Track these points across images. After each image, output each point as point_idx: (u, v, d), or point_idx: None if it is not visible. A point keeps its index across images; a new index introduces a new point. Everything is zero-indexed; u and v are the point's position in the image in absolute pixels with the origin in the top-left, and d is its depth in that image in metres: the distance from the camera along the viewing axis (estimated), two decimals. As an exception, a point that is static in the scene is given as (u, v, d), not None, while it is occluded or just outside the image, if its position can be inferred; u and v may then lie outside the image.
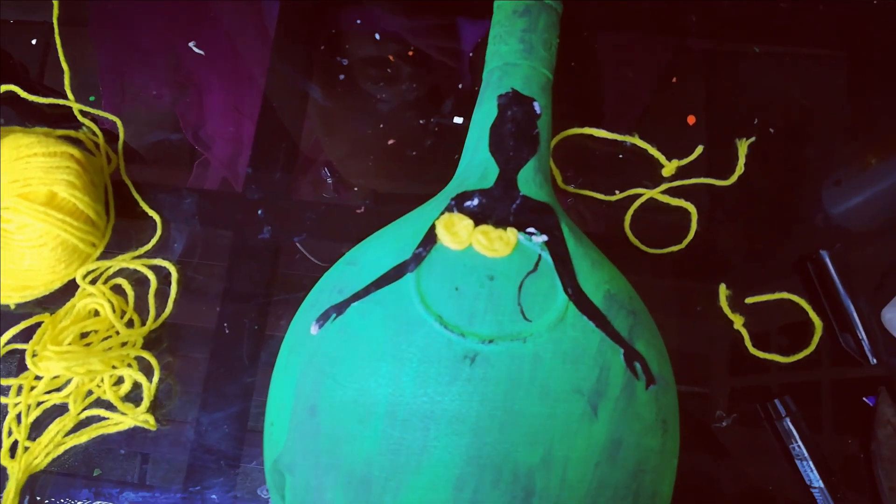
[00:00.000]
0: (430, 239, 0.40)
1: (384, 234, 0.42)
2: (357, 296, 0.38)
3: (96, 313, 0.47)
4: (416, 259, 0.39)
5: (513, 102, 0.45)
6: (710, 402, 0.46)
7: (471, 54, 0.64)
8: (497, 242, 0.39)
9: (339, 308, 0.38)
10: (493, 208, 0.41)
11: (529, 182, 0.42)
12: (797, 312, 0.48)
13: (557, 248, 0.39)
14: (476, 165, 0.43)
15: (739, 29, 0.53)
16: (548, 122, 0.45)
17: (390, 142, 0.52)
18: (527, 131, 0.44)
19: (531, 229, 0.40)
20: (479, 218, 0.40)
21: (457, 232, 0.39)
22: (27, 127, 0.51)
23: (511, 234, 0.39)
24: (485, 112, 0.45)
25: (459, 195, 0.41)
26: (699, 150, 0.50)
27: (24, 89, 0.52)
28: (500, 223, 0.40)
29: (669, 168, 0.50)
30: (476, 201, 0.41)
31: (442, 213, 0.40)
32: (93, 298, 0.46)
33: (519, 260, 0.39)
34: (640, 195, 0.50)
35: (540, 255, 0.39)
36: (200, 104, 0.70)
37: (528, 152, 0.44)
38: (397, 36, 0.55)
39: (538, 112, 0.45)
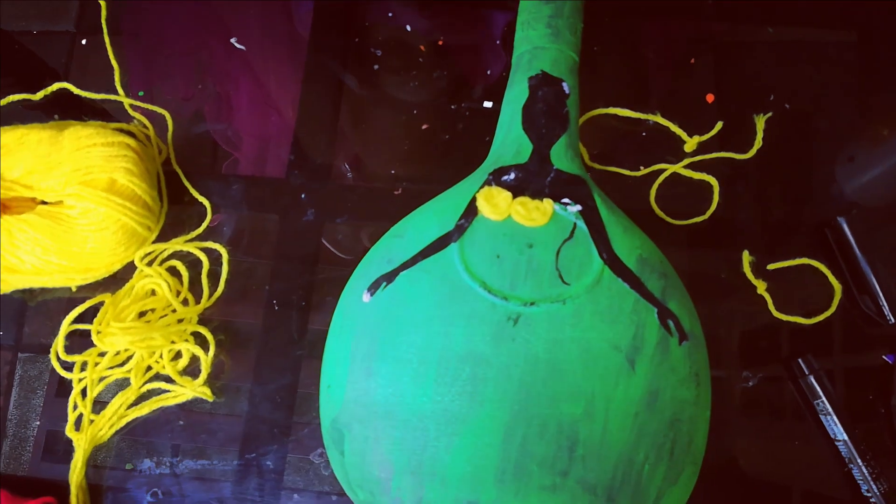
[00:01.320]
0: (471, 211, 0.42)
1: (427, 208, 0.45)
2: (405, 265, 0.41)
3: (153, 293, 0.50)
4: (459, 230, 0.42)
5: (543, 83, 0.47)
6: (737, 363, 0.49)
7: (498, 41, 0.67)
8: (534, 212, 0.42)
9: (389, 277, 0.41)
10: (529, 181, 0.43)
11: (562, 157, 0.45)
12: (817, 277, 0.50)
13: (591, 217, 0.42)
14: (511, 142, 0.46)
15: (754, 12, 0.56)
16: (576, 102, 0.48)
17: (424, 126, 0.55)
18: (557, 110, 0.47)
19: (566, 199, 0.43)
20: (516, 190, 0.43)
21: (496, 204, 0.42)
22: (83, 121, 0.54)
23: (547, 204, 0.42)
24: (516, 93, 0.48)
25: (496, 170, 0.44)
26: (719, 125, 0.53)
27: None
28: (537, 195, 0.42)
29: (691, 143, 0.52)
30: (513, 175, 0.44)
31: (481, 187, 0.43)
32: (150, 279, 0.49)
33: (555, 228, 0.41)
34: (663, 170, 0.52)
35: (575, 224, 0.42)
36: (229, 105, 0.73)
37: (560, 129, 0.46)
38: (427, 27, 0.57)
39: (567, 92, 0.48)
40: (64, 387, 0.50)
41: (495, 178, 0.44)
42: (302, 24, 0.69)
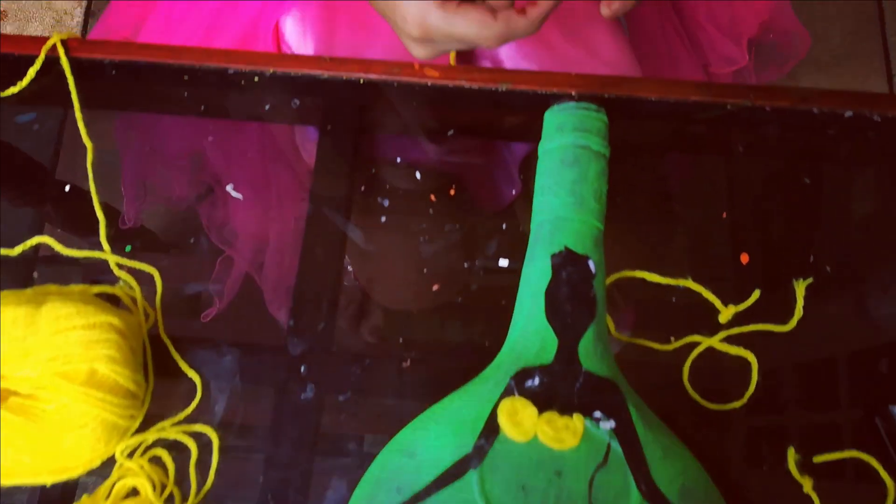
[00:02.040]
0: (491, 428, 0.38)
1: (440, 415, 0.40)
2: (418, 497, 0.36)
3: (135, 491, 0.45)
4: (479, 453, 0.37)
5: (567, 262, 0.43)
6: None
7: (516, 171, 0.63)
8: (563, 432, 0.37)
9: (400, 510, 0.36)
10: (556, 388, 0.39)
11: (590, 354, 0.41)
12: (868, 472, 0.45)
13: (627, 435, 0.38)
14: (533, 335, 0.41)
15: (789, 158, 0.52)
16: (602, 281, 0.44)
17: (435, 287, 0.51)
18: (583, 294, 0.43)
19: (598, 413, 0.38)
20: (542, 401, 0.38)
21: (520, 422, 0.37)
22: (63, 284, 0.49)
23: (577, 421, 0.37)
24: (537, 271, 0.44)
25: (519, 373, 0.40)
26: (756, 294, 0.48)
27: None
28: (565, 408, 0.38)
29: (726, 314, 0.48)
30: (537, 380, 0.39)
31: (502, 397, 0.39)
32: (131, 477, 0.44)
33: (587, 451, 0.37)
34: (696, 343, 0.48)
35: (609, 444, 0.37)
36: (225, 203, 0.69)
37: (587, 318, 0.42)
38: (438, 172, 0.54)
39: (593, 271, 0.43)
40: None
41: (518, 383, 0.39)
42: (308, 155, 0.66)
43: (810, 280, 0.49)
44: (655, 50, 0.77)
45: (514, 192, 0.65)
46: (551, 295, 0.42)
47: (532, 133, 0.50)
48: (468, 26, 0.41)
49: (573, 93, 0.52)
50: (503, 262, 0.51)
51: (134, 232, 0.55)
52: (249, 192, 0.69)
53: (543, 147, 0.47)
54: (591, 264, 0.44)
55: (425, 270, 0.51)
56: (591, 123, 0.47)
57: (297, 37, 0.63)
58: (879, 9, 1.33)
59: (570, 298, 0.42)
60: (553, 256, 0.44)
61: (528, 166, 0.62)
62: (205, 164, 0.68)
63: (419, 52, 0.45)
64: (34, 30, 1.38)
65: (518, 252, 0.50)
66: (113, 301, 0.51)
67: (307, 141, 0.65)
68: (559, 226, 0.44)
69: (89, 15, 1.39)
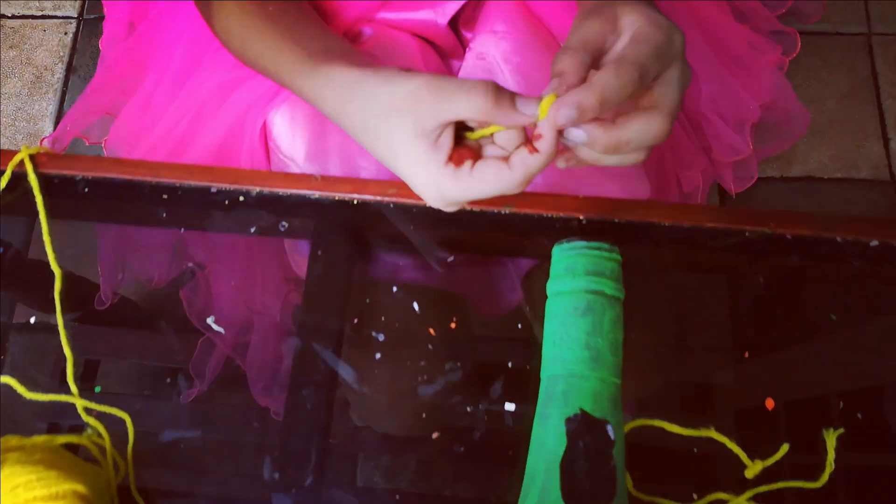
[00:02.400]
0: None
1: None
2: None
3: None
4: None
5: (584, 428, 0.39)
6: None
7: (518, 287, 0.60)
8: None
9: None
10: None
11: (611, 540, 0.37)
12: None
13: None
14: (547, 516, 0.37)
15: (813, 291, 0.49)
16: (622, 445, 0.40)
17: (435, 435, 0.46)
18: (602, 466, 0.39)
19: None
20: None
21: None
22: (24, 437, 0.45)
23: None
24: (551, 436, 0.40)
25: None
26: (784, 448, 0.45)
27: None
28: None
29: (753, 470, 0.44)
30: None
31: None
32: None
33: None
34: (722, 502, 0.44)
35: None
36: (207, 289, 0.65)
37: (607, 496, 0.38)
38: (437, 299, 0.50)
39: (612, 437, 0.40)
40: None
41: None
42: (298, 267, 0.62)
43: (841, 430, 0.45)
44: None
45: (515, 298, 0.61)
46: (567, 469, 0.38)
47: (537, 251, 0.46)
48: (487, 186, 0.38)
49: (581, 217, 0.49)
50: (509, 407, 0.47)
51: (104, 370, 0.51)
52: (232, 281, 0.65)
53: (553, 289, 0.44)
54: (610, 429, 0.40)
55: (424, 416, 0.47)
56: (604, 265, 0.43)
57: (287, 136, 0.60)
58: (873, 71, 1.32)
59: (588, 475, 0.38)
60: (568, 421, 0.40)
61: (532, 277, 0.59)
62: (185, 249, 0.64)
63: (444, 208, 0.41)
64: (13, 86, 1.34)
65: (526, 394, 0.47)
66: (80, 451, 0.46)
67: (297, 253, 0.61)
68: (574, 385, 0.41)
69: (71, 71, 1.35)
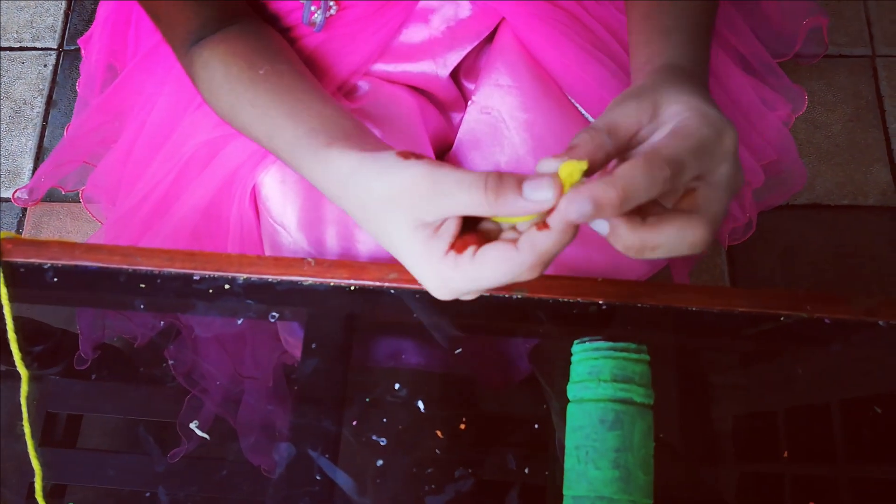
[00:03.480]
0: None
1: None
2: None
3: None
4: None
5: (615, 565, 0.35)
6: None
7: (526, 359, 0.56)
8: None
9: None
10: None
11: None
12: None
13: None
14: None
15: (855, 381, 0.45)
16: (658, 581, 0.36)
17: (445, 553, 0.42)
18: None
19: None
20: None
21: None
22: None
23: None
24: (578, 571, 0.35)
25: None
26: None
27: None
28: None
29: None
30: None
31: None
32: None
33: None
34: None
35: None
36: (195, 349, 0.61)
37: None
38: (445, 402, 0.45)
39: (647, 573, 0.35)
40: None
41: None
42: (291, 348, 0.57)
43: (893, 540, 0.41)
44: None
45: (525, 368, 0.57)
46: None
47: (553, 336, 0.42)
48: (492, 272, 0.33)
49: (601, 302, 0.45)
50: (527, 520, 0.43)
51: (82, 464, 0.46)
52: (220, 347, 0.60)
53: (575, 394, 0.40)
54: (644, 565, 0.35)
55: (433, 530, 0.42)
56: (632, 369, 0.39)
57: (278, 200, 0.55)
58: (878, 94, 1.29)
59: None
60: (597, 555, 0.35)
61: (540, 350, 0.55)
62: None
63: (448, 298, 0.36)
64: (-10, 120, 1.29)
65: (544, 505, 0.42)
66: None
67: (289, 334, 0.57)
68: (602, 511, 0.36)
69: (51, 105, 1.30)
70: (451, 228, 0.34)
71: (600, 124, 0.34)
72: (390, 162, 0.35)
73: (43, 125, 1.28)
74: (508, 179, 0.32)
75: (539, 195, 0.32)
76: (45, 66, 1.32)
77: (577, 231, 0.33)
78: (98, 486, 0.52)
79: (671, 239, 0.32)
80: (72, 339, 0.56)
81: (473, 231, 0.35)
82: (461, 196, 0.32)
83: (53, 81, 1.31)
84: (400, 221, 0.34)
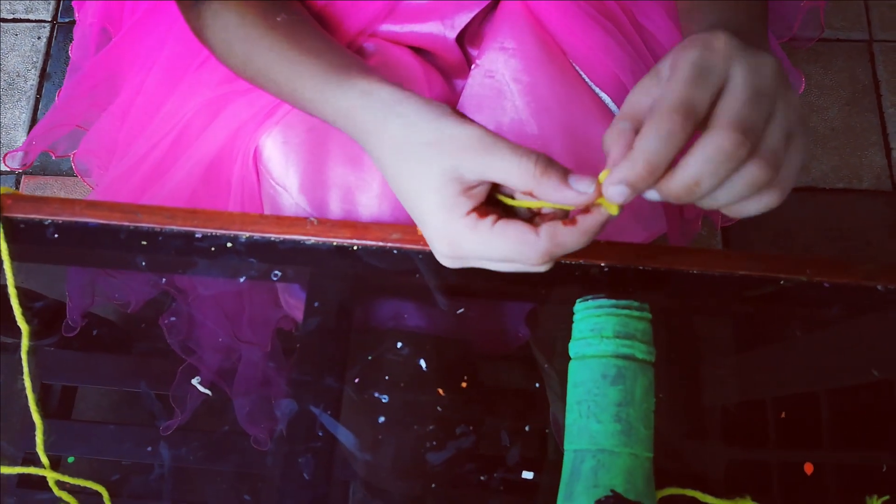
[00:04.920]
0: None
1: None
2: None
3: None
4: None
5: (615, 514, 0.35)
6: None
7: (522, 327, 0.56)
8: None
9: None
10: None
11: None
12: None
13: None
14: None
15: (854, 345, 0.45)
16: (658, 533, 0.36)
17: (445, 508, 0.42)
18: (637, 558, 0.35)
19: None
20: None
21: None
22: None
23: None
24: (578, 521, 0.36)
25: None
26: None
27: None
28: None
29: (795, 546, 0.41)
30: None
31: None
32: None
33: None
34: (762, 582, 0.40)
35: None
36: (190, 318, 0.61)
37: (643, 593, 0.34)
38: (447, 362, 0.46)
39: (647, 523, 0.36)
40: None
41: None
42: (290, 309, 0.57)
43: (886, 498, 0.42)
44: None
45: (522, 334, 0.57)
46: (599, 562, 0.34)
47: (557, 299, 0.43)
48: (506, 247, 0.33)
49: (603, 264, 0.45)
50: (527, 475, 0.43)
51: (78, 435, 0.46)
52: (218, 311, 0.60)
53: (577, 351, 0.40)
54: (645, 514, 0.36)
55: (433, 486, 0.43)
56: (634, 326, 0.39)
57: (280, 162, 0.55)
58: (874, 79, 1.30)
59: (622, 569, 0.34)
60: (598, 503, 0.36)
61: (537, 315, 0.55)
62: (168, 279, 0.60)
63: (449, 264, 0.37)
64: (-17, 94, 1.28)
65: (545, 461, 0.43)
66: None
67: (289, 295, 0.57)
68: (604, 462, 0.37)
69: (44, 78, 1.29)
70: (482, 193, 0.36)
71: (620, 116, 0.34)
72: (446, 111, 0.36)
73: (37, 98, 1.27)
74: (558, 165, 0.34)
75: (581, 186, 0.33)
76: (39, 38, 1.31)
77: (594, 237, 0.34)
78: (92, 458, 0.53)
79: (702, 163, 0.31)
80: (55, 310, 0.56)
81: (492, 206, 0.36)
82: (511, 163, 0.33)
83: (47, 54, 1.29)
84: (435, 169, 0.35)
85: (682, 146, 0.31)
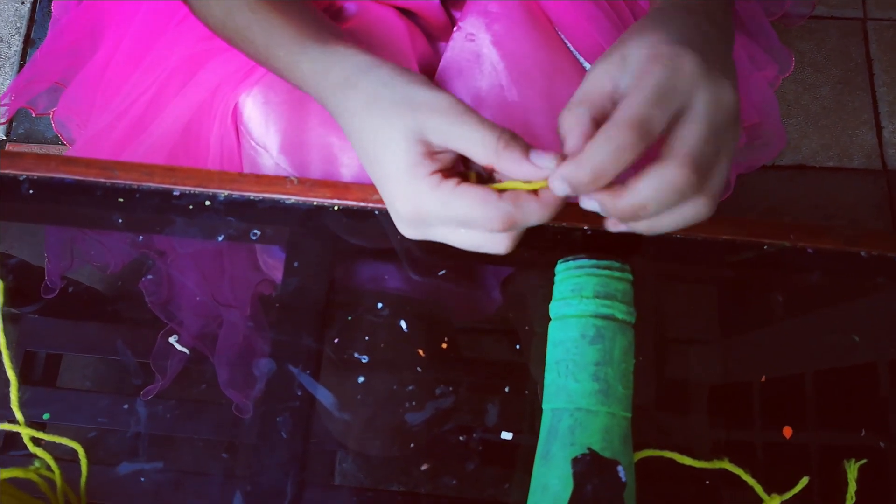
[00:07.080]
0: None
1: None
2: None
3: None
4: None
5: (592, 471, 0.35)
6: None
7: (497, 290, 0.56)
8: None
9: None
10: None
11: None
12: None
13: None
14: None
15: (835, 310, 0.45)
16: (633, 491, 0.36)
17: (424, 467, 0.42)
18: (612, 514, 0.35)
19: None
20: None
21: None
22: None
23: None
24: (556, 479, 0.36)
25: None
26: (804, 482, 0.41)
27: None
28: None
29: (770, 505, 0.41)
30: None
31: None
32: None
33: None
34: (736, 542, 0.41)
35: None
36: (170, 282, 0.60)
37: (618, 548, 0.34)
38: (427, 324, 0.45)
39: (623, 479, 0.36)
40: None
41: None
42: (268, 270, 0.57)
43: (864, 461, 0.42)
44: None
45: (497, 299, 0.57)
46: (574, 516, 0.34)
47: (538, 264, 0.42)
48: (468, 207, 0.33)
49: (586, 227, 0.45)
50: (506, 436, 0.43)
51: (54, 395, 0.46)
52: (197, 271, 0.60)
53: (556, 311, 0.39)
54: (621, 471, 0.36)
55: (412, 445, 0.43)
56: (614, 287, 0.39)
57: (260, 122, 0.54)
58: (867, 57, 1.29)
59: (597, 524, 0.34)
60: (575, 462, 0.36)
61: (513, 281, 0.55)
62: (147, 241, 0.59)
63: (410, 233, 0.37)
64: (-35, 59, 1.25)
65: (524, 422, 0.43)
66: (28, 486, 0.41)
67: (267, 255, 0.56)
68: (581, 421, 0.36)
69: (29, 44, 1.26)
70: (447, 160, 0.36)
71: (576, 98, 0.34)
72: (422, 79, 0.36)
73: (21, 64, 1.24)
74: (521, 141, 0.34)
75: (542, 161, 0.33)
76: (23, 3, 1.28)
77: (556, 212, 0.34)
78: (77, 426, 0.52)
79: (652, 191, 0.32)
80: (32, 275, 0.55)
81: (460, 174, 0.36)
82: (476, 133, 0.34)
83: (31, 20, 1.27)
84: (401, 126, 0.35)
85: (630, 162, 0.32)
